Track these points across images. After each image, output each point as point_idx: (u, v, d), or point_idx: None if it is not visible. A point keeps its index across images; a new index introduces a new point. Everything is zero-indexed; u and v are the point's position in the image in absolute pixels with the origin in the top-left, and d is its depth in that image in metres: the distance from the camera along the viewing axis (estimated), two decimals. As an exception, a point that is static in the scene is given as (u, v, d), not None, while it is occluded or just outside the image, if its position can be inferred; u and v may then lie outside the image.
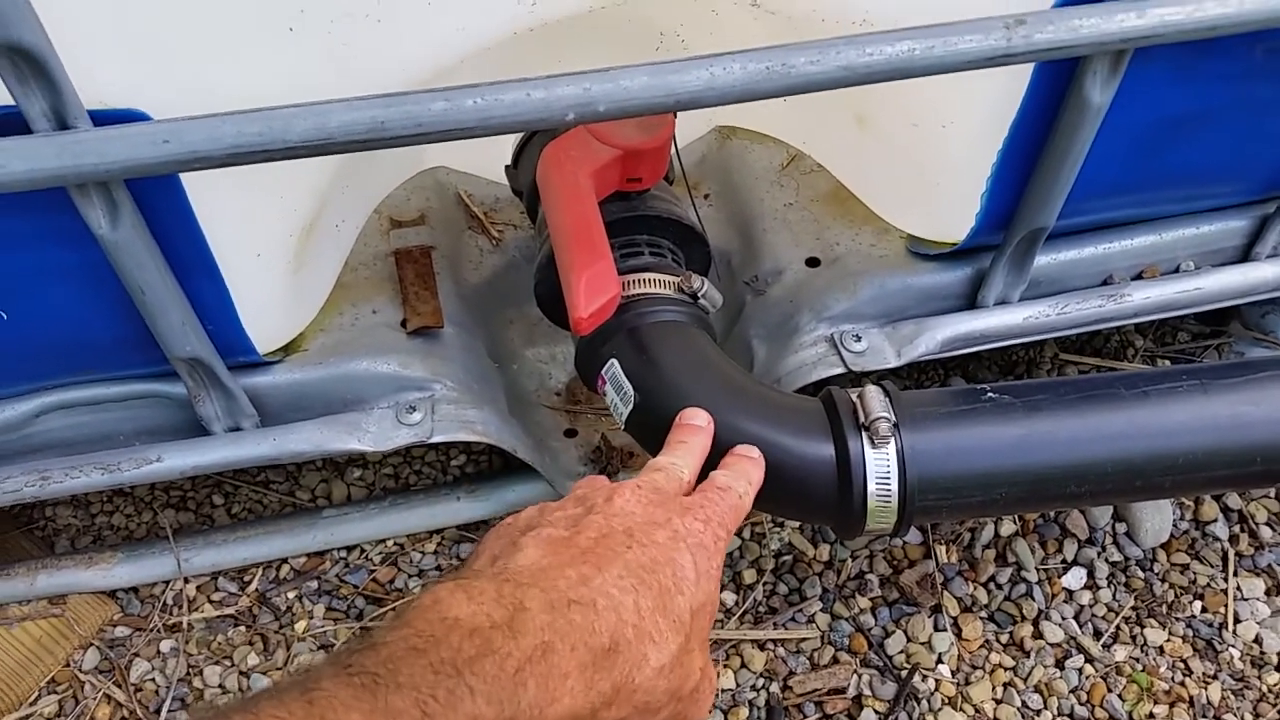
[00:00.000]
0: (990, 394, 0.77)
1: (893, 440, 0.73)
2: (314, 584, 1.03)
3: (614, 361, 0.79)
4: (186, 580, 1.02)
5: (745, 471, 0.69)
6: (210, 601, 1.02)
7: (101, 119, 0.59)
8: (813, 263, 0.97)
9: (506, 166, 0.95)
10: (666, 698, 0.55)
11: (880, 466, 0.73)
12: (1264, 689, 0.97)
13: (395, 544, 1.06)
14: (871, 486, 0.73)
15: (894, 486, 0.73)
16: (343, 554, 1.05)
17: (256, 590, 1.02)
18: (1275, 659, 0.99)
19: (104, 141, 0.58)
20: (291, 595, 1.02)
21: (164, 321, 0.72)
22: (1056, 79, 0.72)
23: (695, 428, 0.72)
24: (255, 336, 0.78)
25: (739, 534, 1.06)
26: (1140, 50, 0.69)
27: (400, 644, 0.46)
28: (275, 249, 0.78)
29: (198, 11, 0.61)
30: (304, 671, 0.44)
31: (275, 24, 0.64)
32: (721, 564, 0.62)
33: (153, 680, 0.96)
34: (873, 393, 0.75)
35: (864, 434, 0.73)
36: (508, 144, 0.94)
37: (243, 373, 0.82)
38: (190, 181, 0.65)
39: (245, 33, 0.63)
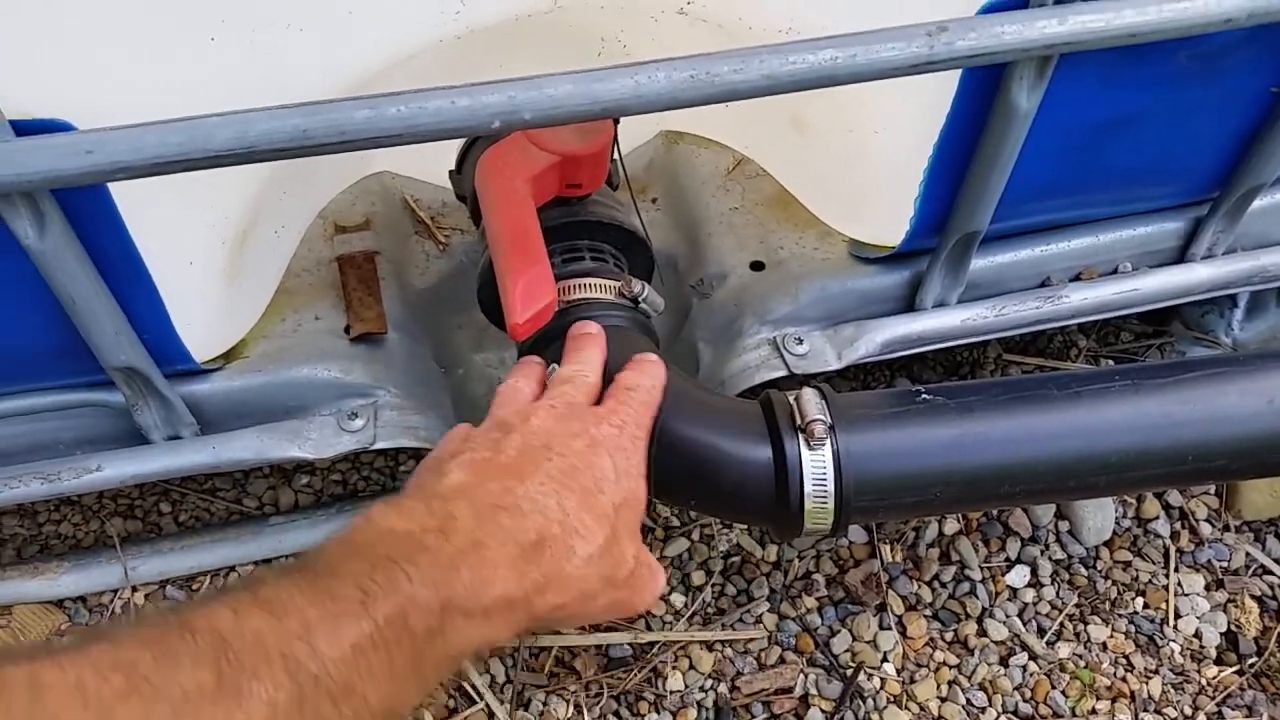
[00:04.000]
0: (925, 395, 0.77)
1: (828, 441, 0.73)
2: (262, 591, 1.02)
3: (555, 366, 0.79)
4: (134, 589, 1.02)
5: (647, 370, 0.72)
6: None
7: (24, 129, 0.58)
8: (757, 266, 0.98)
9: (450, 172, 0.95)
10: (601, 584, 0.59)
11: (816, 468, 0.73)
12: (1203, 682, 0.98)
13: (344, 550, 1.05)
14: (808, 487, 0.73)
15: (830, 487, 0.73)
16: (290, 561, 1.04)
17: (204, 598, 1.02)
18: (1214, 653, 1.00)
19: (26, 152, 0.57)
20: (239, 603, 1.01)
21: (97, 331, 0.71)
22: (984, 84, 0.73)
23: (588, 335, 0.75)
24: (191, 345, 0.78)
25: (687, 536, 1.06)
26: (1066, 56, 0.70)
27: (337, 551, 0.50)
28: (208, 257, 0.77)
29: (120, 22, 0.61)
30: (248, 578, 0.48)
31: (197, 33, 0.64)
32: (642, 461, 0.66)
33: (98, 690, 0.96)
34: (809, 395, 0.75)
35: (800, 436, 0.74)
36: (453, 149, 0.94)
37: (181, 381, 0.82)
38: (119, 191, 0.65)
39: (168, 43, 0.63)
